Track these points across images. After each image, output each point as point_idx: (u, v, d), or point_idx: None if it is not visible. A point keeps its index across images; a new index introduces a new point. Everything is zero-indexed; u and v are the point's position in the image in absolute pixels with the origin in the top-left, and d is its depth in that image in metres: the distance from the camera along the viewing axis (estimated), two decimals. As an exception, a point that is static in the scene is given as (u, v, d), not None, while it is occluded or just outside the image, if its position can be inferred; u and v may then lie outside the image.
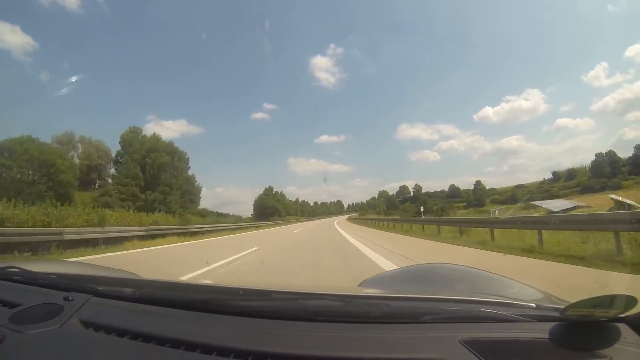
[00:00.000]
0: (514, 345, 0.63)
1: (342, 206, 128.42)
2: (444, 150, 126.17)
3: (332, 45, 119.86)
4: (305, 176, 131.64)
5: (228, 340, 0.67)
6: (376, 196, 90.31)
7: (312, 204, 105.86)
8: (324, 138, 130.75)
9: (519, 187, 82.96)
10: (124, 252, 8.88)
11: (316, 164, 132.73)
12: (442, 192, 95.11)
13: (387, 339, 0.67)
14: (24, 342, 0.68)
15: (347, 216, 71.02)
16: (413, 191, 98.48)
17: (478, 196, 79.75)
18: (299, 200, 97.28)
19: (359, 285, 1.31)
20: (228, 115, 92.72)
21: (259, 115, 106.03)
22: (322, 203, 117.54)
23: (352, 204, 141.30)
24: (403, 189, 79.45)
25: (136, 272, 1.41)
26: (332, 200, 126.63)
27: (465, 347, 0.62)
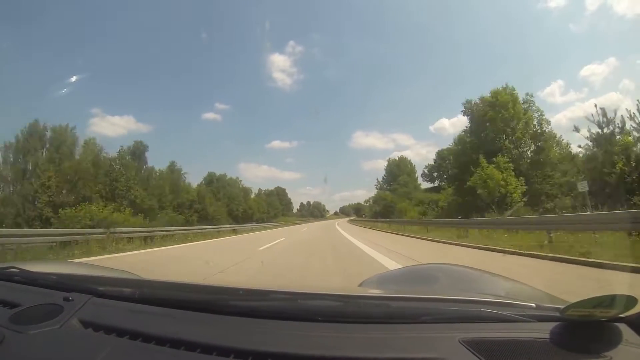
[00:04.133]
0: (514, 345, 0.63)
1: (290, 206, 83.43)
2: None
3: (291, 43, 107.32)
4: (255, 183, 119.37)
5: (228, 340, 0.67)
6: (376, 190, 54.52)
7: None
8: (276, 143, 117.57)
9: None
10: None
11: (267, 171, 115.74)
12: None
13: (387, 339, 0.67)
14: (24, 342, 0.68)
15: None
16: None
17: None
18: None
19: (359, 285, 1.31)
20: (178, 113, 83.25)
21: (210, 115, 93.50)
22: (221, 178, 45.66)
23: (309, 202, 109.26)
24: (442, 155, 40.08)
25: None
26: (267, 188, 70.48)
27: (466, 347, 0.62)
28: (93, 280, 1.09)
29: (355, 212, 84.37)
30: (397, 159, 53.57)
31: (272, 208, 61.34)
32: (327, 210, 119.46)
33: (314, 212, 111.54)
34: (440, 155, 41.65)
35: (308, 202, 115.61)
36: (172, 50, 78.95)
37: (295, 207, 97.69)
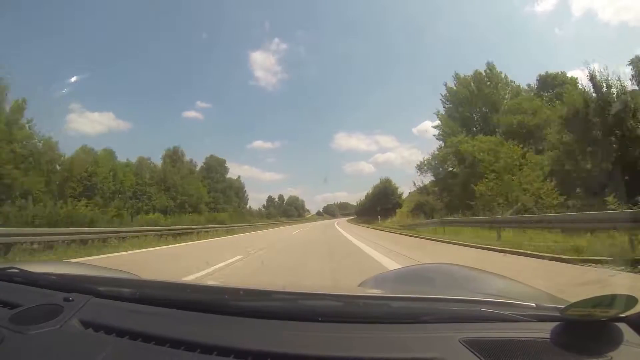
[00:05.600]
0: (514, 345, 0.63)
1: (241, 197, 44.67)
2: (379, 163, 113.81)
3: (276, 40, 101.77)
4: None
5: (228, 340, 0.67)
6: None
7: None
8: (258, 144, 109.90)
9: None
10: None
11: (248, 171, 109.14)
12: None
13: (387, 339, 0.67)
14: (24, 342, 0.68)
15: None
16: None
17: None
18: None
19: (359, 285, 1.31)
20: (159, 111, 76.97)
21: (191, 114, 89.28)
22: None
23: (281, 196, 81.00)
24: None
25: None
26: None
27: (466, 347, 0.62)
28: (93, 280, 1.09)
29: (360, 210, 59.81)
30: (473, 74, 26.73)
31: (179, 194, 29.26)
32: (308, 210, 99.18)
33: (288, 210, 79.39)
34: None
35: (280, 196, 79.62)
36: (154, 46, 74.49)
37: (261, 202, 69.17)
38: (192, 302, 0.86)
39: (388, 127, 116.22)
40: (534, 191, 14.13)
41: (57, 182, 20.86)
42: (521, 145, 17.27)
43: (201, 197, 31.92)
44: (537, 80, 27.06)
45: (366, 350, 0.63)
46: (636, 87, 14.05)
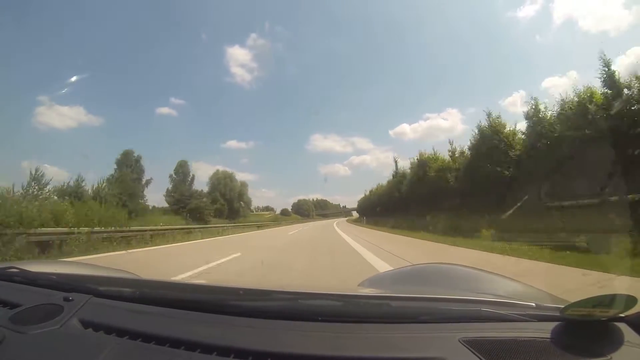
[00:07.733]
0: (515, 344, 0.63)
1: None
2: (355, 165, 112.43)
3: (253, 35, 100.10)
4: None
5: (228, 340, 0.67)
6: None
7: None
8: (232, 143, 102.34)
9: None
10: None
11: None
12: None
13: (387, 339, 0.67)
14: (24, 342, 0.68)
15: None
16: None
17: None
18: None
19: (359, 285, 1.31)
20: (132, 106, 72.01)
21: (165, 110, 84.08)
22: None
23: (183, 162, 36.67)
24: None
25: None
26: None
27: (466, 347, 0.62)
28: (93, 280, 1.09)
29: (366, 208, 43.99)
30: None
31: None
32: (273, 209, 75.36)
33: (199, 202, 31.66)
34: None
35: (181, 164, 35.55)
36: (127, 39, 70.53)
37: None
38: (192, 302, 0.86)
39: (364, 129, 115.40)
40: None
41: None
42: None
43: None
44: None
45: (366, 350, 0.63)
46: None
